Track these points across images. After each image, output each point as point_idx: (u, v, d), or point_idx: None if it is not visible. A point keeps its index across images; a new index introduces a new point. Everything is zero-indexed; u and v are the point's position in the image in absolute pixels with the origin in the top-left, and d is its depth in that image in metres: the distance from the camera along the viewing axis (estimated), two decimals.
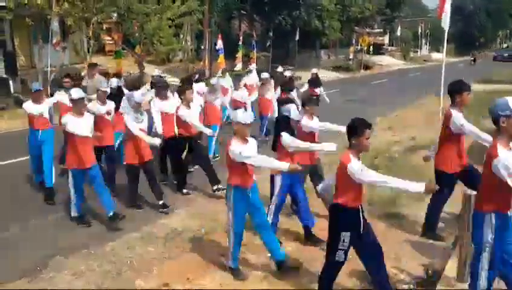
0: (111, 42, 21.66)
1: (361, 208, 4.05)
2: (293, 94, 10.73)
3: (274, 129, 5.52)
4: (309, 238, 5.60)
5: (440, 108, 11.21)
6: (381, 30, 47.25)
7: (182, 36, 24.86)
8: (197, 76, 10.84)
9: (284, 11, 27.21)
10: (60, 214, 6.52)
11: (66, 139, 6.34)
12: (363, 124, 3.95)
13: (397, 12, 45.88)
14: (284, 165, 4.51)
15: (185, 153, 7.43)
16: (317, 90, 11.73)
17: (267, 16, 28.07)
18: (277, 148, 5.31)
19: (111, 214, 6.03)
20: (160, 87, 7.77)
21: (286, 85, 11.06)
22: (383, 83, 26.43)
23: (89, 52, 17.50)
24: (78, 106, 5.92)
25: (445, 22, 10.29)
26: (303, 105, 6.15)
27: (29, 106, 6.83)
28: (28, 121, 7.06)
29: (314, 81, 12.17)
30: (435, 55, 49.44)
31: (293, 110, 5.38)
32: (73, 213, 6.16)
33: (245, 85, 11.69)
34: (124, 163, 6.85)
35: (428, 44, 55.42)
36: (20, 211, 6.65)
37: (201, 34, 24.75)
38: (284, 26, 27.70)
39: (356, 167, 3.80)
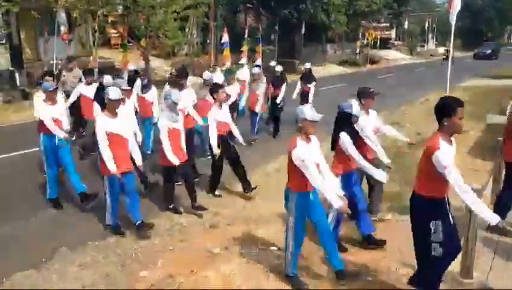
0: (116, 35, 21.67)
1: (448, 200, 3.77)
2: (283, 89, 10.84)
3: (334, 127, 5.11)
4: (371, 242, 5.32)
5: None
6: (388, 24, 46.92)
7: (187, 29, 24.83)
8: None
9: (290, 4, 27.06)
10: (66, 207, 6.56)
11: (103, 144, 5.41)
12: (455, 102, 3.62)
13: (404, 7, 45.54)
14: (336, 202, 4.11)
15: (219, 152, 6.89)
16: (310, 86, 11.52)
17: (273, 10, 27.94)
18: (335, 148, 5.05)
19: (139, 222, 5.69)
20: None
21: (277, 80, 10.97)
22: (389, 78, 26.29)
23: (94, 45, 17.50)
24: (114, 106, 5.45)
25: (453, 17, 10.21)
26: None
27: (43, 109, 6.21)
28: (38, 126, 6.39)
29: (307, 77, 11.82)
30: (442, 50, 49.10)
31: (355, 107, 5.03)
32: (108, 221, 5.80)
33: (237, 80, 11.26)
34: (160, 164, 6.50)
35: (435, 39, 55.05)
36: (26, 203, 6.70)
37: (207, 27, 24.70)
38: (290, 19, 27.56)
39: (443, 156, 3.51)
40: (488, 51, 43.57)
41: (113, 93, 5.42)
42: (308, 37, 31.40)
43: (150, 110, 8.53)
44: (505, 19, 58.74)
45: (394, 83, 22.76)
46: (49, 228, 5.93)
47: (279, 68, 11.29)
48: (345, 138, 4.89)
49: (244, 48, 23.28)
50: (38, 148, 6.74)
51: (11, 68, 15.70)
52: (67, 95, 9.18)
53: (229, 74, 11.28)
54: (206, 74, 9.21)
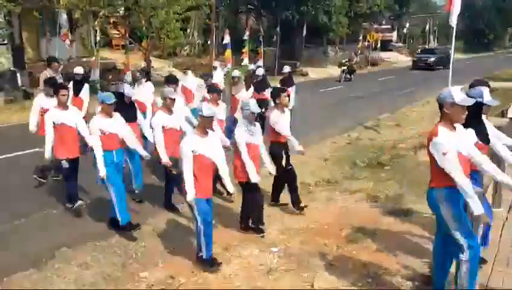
0: (118, 36, 21.72)
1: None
2: (267, 93, 9.82)
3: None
4: None
5: None
6: (389, 26, 46.93)
7: (189, 30, 24.89)
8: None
9: (291, 6, 27.09)
10: (67, 206, 6.57)
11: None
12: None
13: (405, 9, 45.53)
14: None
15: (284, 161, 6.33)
16: (290, 90, 10.16)
17: (274, 11, 27.95)
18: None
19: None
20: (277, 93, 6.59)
21: (259, 84, 10.29)
22: (390, 79, 26.30)
23: (96, 45, 17.54)
24: (207, 123, 4.83)
25: (453, 19, 10.21)
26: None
27: (101, 124, 5.59)
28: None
29: (287, 81, 11.15)
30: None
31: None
32: (205, 256, 4.92)
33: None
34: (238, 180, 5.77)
35: (436, 41, 55.03)
36: (27, 203, 6.70)
37: (209, 28, 24.75)
38: (291, 21, 27.57)
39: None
40: (432, 58, 33.07)
41: (207, 110, 4.73)
42: (310, 39, 31.40)
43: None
44: (506, 21, 58.67)
45: (395, 85, 22.76)
46: (50, 227, 5.93)
47: (260, 72, 10.71)
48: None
49: (246, 50, 23.33)
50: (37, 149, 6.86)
51: (13, 68, 15.74)
52: None
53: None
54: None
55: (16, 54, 16.16)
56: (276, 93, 6.51)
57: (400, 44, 50.57)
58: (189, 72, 10.74)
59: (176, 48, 24.00)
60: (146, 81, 9.03)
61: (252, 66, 11.68)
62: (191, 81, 10.25)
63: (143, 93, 8.46)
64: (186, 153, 4.65)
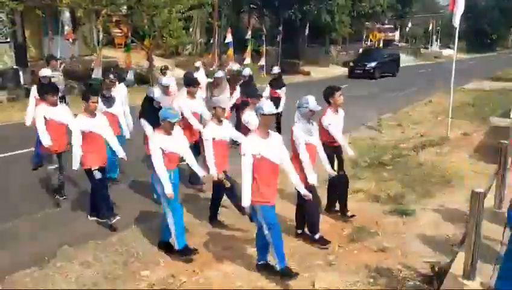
0: (120, 35, 21.72)
1: None
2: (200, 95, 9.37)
3: None
4: None
5: (450, 105, 11.15)
6: (392, 26, 46.87)
7: (191, 29, 24.87)
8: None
9: (294, 5, 27.07)
10: (68, 205, 6.58)
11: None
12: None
13: (408, 8, 45.47)
14: None
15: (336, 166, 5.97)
16: (279, 91, 10.25)
17: (277, 10, 27.95)
18: None
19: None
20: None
21: (245, 85, 9.67)
22: (392, 79, 26.25)
23: (98, 44, 17.55)
24: (269, 122, 4.54)
25: (456, 19, 10.18)
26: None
27: (163, 142, 4.99)
28: (158, 160, 4.98)
29: (276, 82, 10.65)
30: (446, 52, 48.89)
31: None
32: (280, 266, 4.61)
33: None
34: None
35: (438, 41, 54.90)
36: (29, 201, 6.72)
37: (211, 27, 24.75)
38: (293, 20, 27.57)
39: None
40: (372, 64, 25.96)
41: (268, 107, 4.43)
42: (312, 38, 31.42)
43: None
44: (509, 21, 58.45)
45: (397, 85, 22.72)
46: (52, 226, 5.94)
47: (246, 72, 10.27)
48: None
49: (248, 49, 23.35)
50: None
51: (16, 66, 15.76)
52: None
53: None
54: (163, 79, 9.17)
55: (19, 52, 16.18)
56: (329, 92, 5.94)
57: (403, 44, 50.47)
58: (168, 71, 10.54)
59: (178, 47, 24.00)
60: (119, 83, 8.56)
61: (236, 67, 11.03)
62: (201, 78, 10.02)
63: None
64: (247, 156, 4.36)
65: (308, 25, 28.68)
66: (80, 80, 15.93)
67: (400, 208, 6.39)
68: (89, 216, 6.12)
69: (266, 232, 4.49)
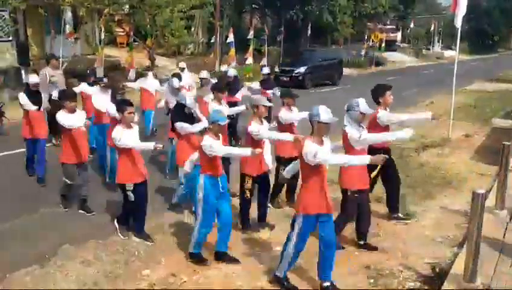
0: (123, 34, 21.75)
1: None
2: (239, 96, 9.76)
3: None
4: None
5: (451, 106, 11.13)
6: (394, 26, 46.82)
7: (193, 29, 24.89)
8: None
9: (296, 5, 27.07)
10: (69, 204, 6.59)
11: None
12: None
13: (410, 9, 45.43)
14: None
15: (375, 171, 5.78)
16: (270, 92, 9.92)
17: (279, 10, 27.96)
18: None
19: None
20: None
21: (231, 86, 9.59)
22: (394, 80, 26.20)
23: (100, 43, 17.56)
24: (326, 131, 4.31)
25: (458, 20, 10.16)
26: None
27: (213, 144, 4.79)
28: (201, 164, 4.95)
29: (266, 82, 10.43)
30: (448, 53, 48.80)
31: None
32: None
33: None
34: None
35: (440, 42, 54.84)
36: (30, 199, 6.73)
37: (213, 27, 24.76)
38: (295, 21, 27.57)
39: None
40: (301, 69, 20.73)
41: (325, 114, 4.18)
42: (314, 39, 31.39)
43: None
44: (511, 22, 58.36)
45: (399, 86, 22.66)
46: (53, 224, 5.95)
47: (231, 73, 10.18)
48: None
49: (250, 49, 23.32)
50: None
51: (18, 65, 15.77)
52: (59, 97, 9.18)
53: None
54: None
55: (21, 50, 16.18)
56: (380, 91, 5.71)
57: (405, 44, 50.42)
58: (150, 73, 10.43)
59: (180, 46, 24.03)
60: (92, 83, 8.60)
61: (223, 68, 10.64)
62: (150, 83, 9.91)
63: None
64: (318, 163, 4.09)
65: (310, 25, 28.67)
66: (82, 79, 15.95)
67: (400, 209, 6.38)
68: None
69: (294, 240, 4.30)
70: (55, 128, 8.80)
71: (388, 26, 45.10)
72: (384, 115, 5.59)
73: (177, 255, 5.20)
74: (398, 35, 46.88)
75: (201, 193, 4.79)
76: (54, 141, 9.53)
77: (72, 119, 5.98)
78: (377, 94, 5.72)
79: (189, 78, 10.99)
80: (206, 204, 4.80)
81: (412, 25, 48.15)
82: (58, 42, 15.96)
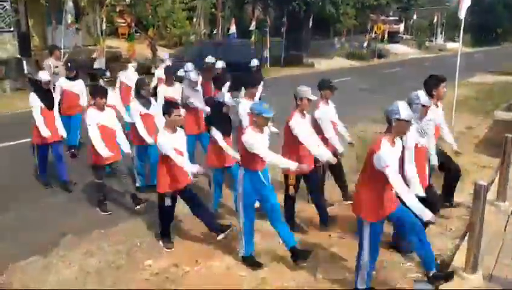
0: (124, 25, 21.65)
1: None
2: (225, 90, 8.92)
3: None
4: None
5: (454, 98, 11.09)
6: (397, 18, 46.57)
7: (195, 20, 24.76)
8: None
9: None
10: (72, 195, 6.61)
11: None
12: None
13: (414, 1, 45.16)
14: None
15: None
16: (258, 87, 8.96)
17: (281, 2, 27.76)
18: None
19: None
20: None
21: (218, 80, 9.10)
22: (396, 72, 26.13)
23: (102, 34, 17.51)
24: (406, 129, 4.05)
25: (462, 12, 10.09)
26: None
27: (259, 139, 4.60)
28: (243, 160, 4.71)
29: (255, 76, 9.73)
30: (450, 45, 48.56)
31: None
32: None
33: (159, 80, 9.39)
34: None
35: (443, 34, 54.55)
36: (33, 190, 6.75)
37: (215, 18, 24.65)
38: (298, 12, 27.39)
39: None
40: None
41: (404, 110, 3.89)
42: (316, 30, 31.24)
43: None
44: None
45: (402, 77, 22.61)
46: (56, 215, 5.98)
47: (220, 65, 9.64)
48: None
49: (252, 40, 23.23)
50: None
51: (19, 56, 15.74)
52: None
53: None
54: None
55: (22, 41, 16.15)
56: (434, 82, 5.34)
57: (408, 36, 50.18)
58: (130, 65, 9.51)
59: (182, 38, 23.94)
60: (75, 77, 8.17)
61: (209, 59, 9.97)
62: (130, 76, 8.99)
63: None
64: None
65: (312, 16, 28.50)
66: (83, 70, 15.93)
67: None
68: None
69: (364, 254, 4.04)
70: None
71: (391, 18, 44.91)
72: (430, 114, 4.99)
73: (178, 246, 5.22)
74: (401, 27, 46.67)
75: (241, 188, 4.61)
76: None
77: (102, 117, 5.76)
78: (431, 86, 5.29)
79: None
80: (246, 200, 4.62)
81: (414, 17, 47.94)
82: (59, 33, 15.92)
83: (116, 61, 18.02)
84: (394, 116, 3.83)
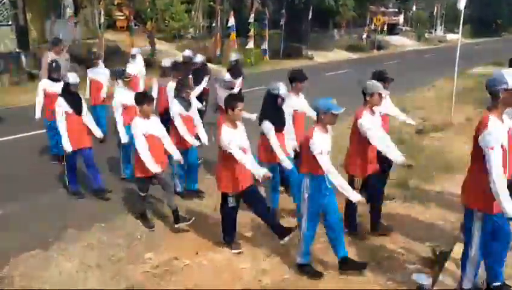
0: (122, 18, 21.59)
1: None
2: (204, 84, 8.60)
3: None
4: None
5: (453, 90, 11.09)
6: (396, 10, 46.40)
7: (193, 13, 24.68)
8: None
9: None
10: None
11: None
12: None
13: None
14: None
15: None
16: (237, 81, 8.68)
17: None
18: None
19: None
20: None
21: (197, 74, 8.70)
22: (396, 64, 26.08)
23: (100, 27, 17.45)
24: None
25: (462, 2, 10.05)
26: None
27: (322, 142, 4.24)
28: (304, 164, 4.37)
29: (234, 70, 8.94)
30: (450, 36, 48.48)
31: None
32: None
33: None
34: None
35: (443, 25, 54.39)
36: (34, 184, 6.76)
37: (213, 10, 24.55)
38: (297, 4, 27.28)
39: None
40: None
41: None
42: (316, 22, 31.14)
43: None
44: None
45: (401, 69, 22.57)
46: (57, 208, 5.99)
47: (198, 59, 9.22)
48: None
49: (251, 33, 23.16)
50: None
51: (18, 50, 15.71)
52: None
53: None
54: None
55: (21, 35, 16.11)
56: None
57: (407, 28, 50.03)
58: (100, 61, 9.19)
59: (181, 30, 23.87)
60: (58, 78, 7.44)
61: (187, 52, 9.50)
62: (101, 72, 8.66)
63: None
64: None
65: (311, 8, 28.39)
66: (82, 64, 15.88)
67: (402, 193, 6.41)
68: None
69: None
70: None
71: (390, 10, 44.76)
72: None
73: (178, 239, 5.23)
74: (400, 19, 46.60)
75: (307, 193, 4.29)
76: None
77: (149, 126, 5.27)
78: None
79: (141, 65, 10.12)
80: (312, 205, 4.31)
81: (414, 8, 47.78)
82: (58, 26, 15.88)
83: (115, 54, 17.97)
84: (501, 87, 3.41)
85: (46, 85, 7.20)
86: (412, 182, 6.84)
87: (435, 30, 52.79)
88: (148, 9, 18.38)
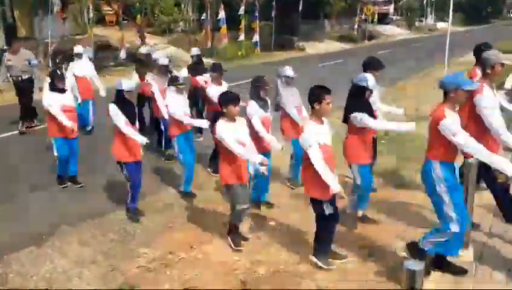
0: (111, 12, 21.41)
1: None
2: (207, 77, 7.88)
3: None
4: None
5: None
6: None
7: (183, 6, 24.50)
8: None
9: None
10: (67, 185, 6.59)
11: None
12: None
13: None
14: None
15: None
16: (199, 79, 8.29)
17: None
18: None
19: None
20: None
21: (193, 68, 8.51)
22: (387, 53, 26.09)
23: (89, 22, 17.31)
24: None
25: None
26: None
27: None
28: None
29: (194, 67, 8.62)
30: (440, 25, 48.55)
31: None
32: None
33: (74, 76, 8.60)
34: None
35: (433, 14, 54.46)
36: (28, 180, 6.72)
37: (203, 3, 24.38)
38: None
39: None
40: None
41: None
42: (306, 13, 31.00)
43: None
44: None
45: (392, 59, 22.59)
46: (50, 205, 5.97)
47: (194, 52, 8.95)
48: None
49: (242, 25, 23.04)
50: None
51: (6, 47, 15.53)
52: (16, 81, 9.08)
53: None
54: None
55: (8, 32, 15.93)
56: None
57: (398, 17, 50.05)
58: (84, 56, 8.82)
59: (170, 24, 23.70)
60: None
61: (195, 51, 9.10)
62: (86, 68, 8.52)
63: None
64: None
65: None
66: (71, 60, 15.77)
67: (394, 181, 6.45)
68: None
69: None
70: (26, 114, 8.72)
71: None
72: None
73: (173, 233, 5.24)
74: (391, 8, 46.57)
75: (444, 185, 3.84)
76: (20, 128, 9.03)
77: (235, 129, 4.61)
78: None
79: (88, 65, 9.19)
80: (456, 194, 3.87)
81: None
82: (46, 23, 15.73)
83: (105, 50, 17.85)
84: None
85: (51, 101, 6.23)
86: (404, 171, 6.87)
87: (426, 19, 52.83)
88: (137, 3, 18.25)
